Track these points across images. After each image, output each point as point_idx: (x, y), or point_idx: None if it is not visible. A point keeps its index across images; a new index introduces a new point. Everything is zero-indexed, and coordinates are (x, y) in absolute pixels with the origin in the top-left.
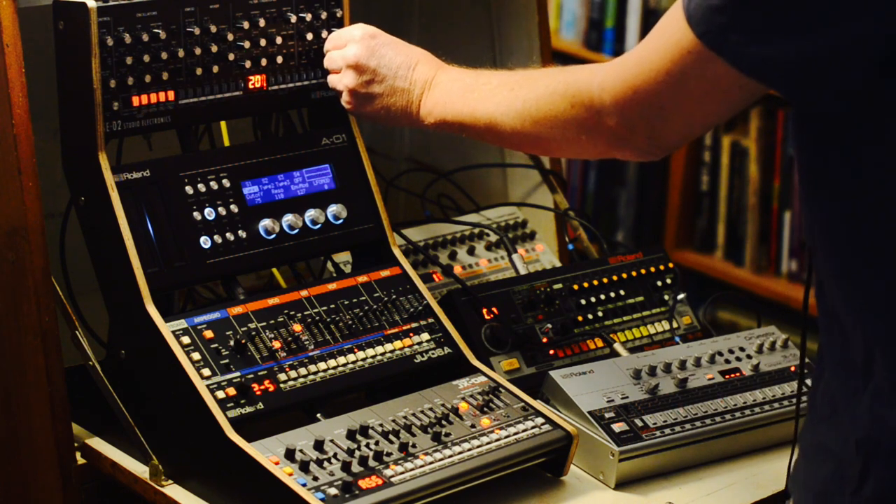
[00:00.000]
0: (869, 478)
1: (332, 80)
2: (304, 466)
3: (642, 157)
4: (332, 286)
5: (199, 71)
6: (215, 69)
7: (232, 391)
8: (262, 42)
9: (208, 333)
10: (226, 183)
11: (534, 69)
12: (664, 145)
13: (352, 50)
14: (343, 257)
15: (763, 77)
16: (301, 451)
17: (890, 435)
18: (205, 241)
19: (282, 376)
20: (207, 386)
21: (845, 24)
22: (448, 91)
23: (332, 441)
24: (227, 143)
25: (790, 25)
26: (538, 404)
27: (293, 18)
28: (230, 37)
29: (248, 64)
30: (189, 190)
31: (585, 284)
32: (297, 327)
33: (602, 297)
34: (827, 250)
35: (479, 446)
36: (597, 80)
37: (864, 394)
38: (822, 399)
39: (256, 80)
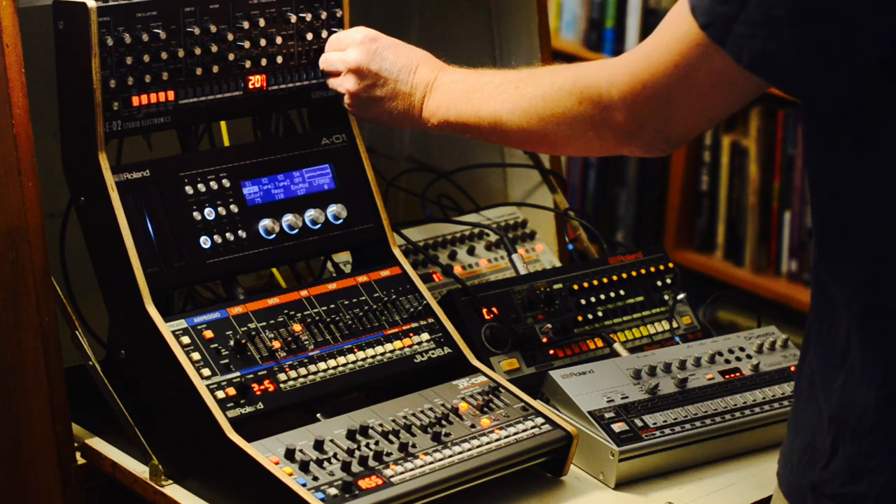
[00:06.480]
0: (837, 452)
1: (334, 83)
2: (304, 466)
3: (650, 152)
4: (332, 286)
5: (199, 71)
6: (215, 69)
7: (232, 391)
8: (262, 42)
9: (208, 333)
10: (226, 183)
11: (537, 67)
12: (673, 139)
13: (352, 54)
14: (343, 257)
15: (761, 71)
16: (301, 451)
17: (856, 413)
18: (205, 241)
19: (282, 376)
20: (207, 386)
21: (848, 23)
22: (450, 92)
23: (332, 441)
24: (227, 143)
25: (791, 20)
26: (538, 404)
27: (293, 18)
28: (230, 37)
29: (248, 64)
30: (189, 190)
31: (585, 284)
32: (297, 327)
33: (602, 297)
34: (823, 233)
35: (479, 446)
36: (604, 75)
37: (840, 371)
38: (805, 376)
39: (256, 80)
